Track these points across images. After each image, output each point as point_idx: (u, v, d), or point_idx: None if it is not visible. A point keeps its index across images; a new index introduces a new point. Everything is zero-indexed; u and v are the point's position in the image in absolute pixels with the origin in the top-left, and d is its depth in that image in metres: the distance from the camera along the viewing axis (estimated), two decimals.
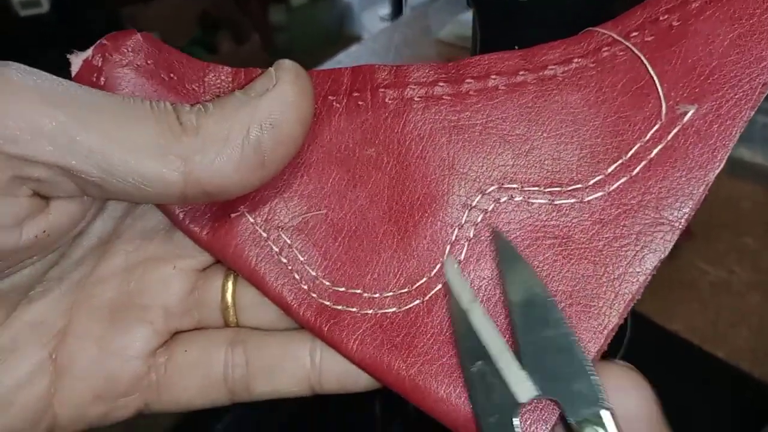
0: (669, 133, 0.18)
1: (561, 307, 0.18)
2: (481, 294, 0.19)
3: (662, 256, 0.18)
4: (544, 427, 0.18)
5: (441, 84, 0.20)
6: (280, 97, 0.17)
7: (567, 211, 0.19)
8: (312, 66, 0.21)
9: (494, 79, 0.20)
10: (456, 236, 0.20)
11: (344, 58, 0.83)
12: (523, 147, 0.20)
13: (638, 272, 0.18)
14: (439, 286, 0.20)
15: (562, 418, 0.17)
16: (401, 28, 0.92)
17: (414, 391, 0.19)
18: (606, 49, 0.19)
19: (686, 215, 0.18)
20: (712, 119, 0.18)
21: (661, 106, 0.18)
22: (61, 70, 0.18)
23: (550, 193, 0.19)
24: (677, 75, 0.18)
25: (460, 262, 0.19)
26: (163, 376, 0.22)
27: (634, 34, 0.19)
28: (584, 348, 0.18)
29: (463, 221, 0.20)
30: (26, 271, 0.19)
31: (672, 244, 0.18)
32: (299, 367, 0.21)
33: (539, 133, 0.19)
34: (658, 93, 0.19)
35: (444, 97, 0.20)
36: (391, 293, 0.20)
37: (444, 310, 0.19)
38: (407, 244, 0.20)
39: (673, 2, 0.19)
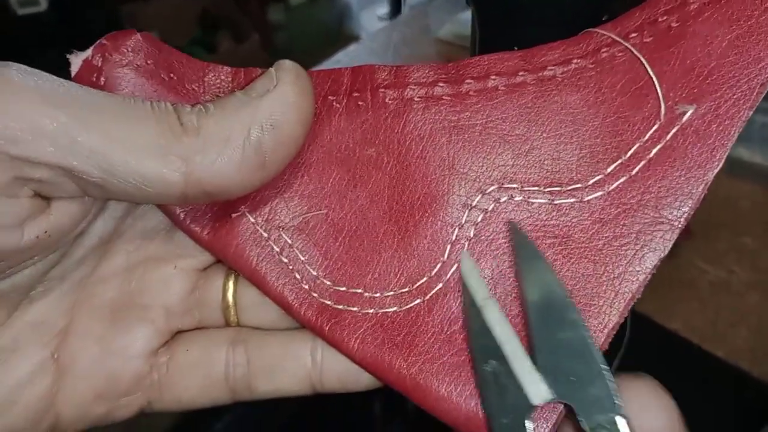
0: (668, 132, 0.18)
1: None
2: None
3: (662, 255, 0.18)
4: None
5: (441, 84, 0.20)
6: (280, 98, 0.17)
7: (567, 211, 0.19)
8: (311, 65, 0.21)
9: (494, 79, 0.20)
10: (456, 236, 0.20)
11: (343, 57, 0.83)
12: (523, 147, 0.20)
13: (638, 271, 0.18)
14: (440, 285, 0.20)
15: (576, 423, 0.17)
16: (400, 27, 0.92)
17: (415, 389, 0.19)
18: (605, 49, 0.19)
19: (685, 214, 0.18)
20: (710, 119, 0.18)
21: (660, 107, 0.19)
22: (61, 70, 0.18)
23: (550, 192, 0.19)
24: (676, 75, 0.19)
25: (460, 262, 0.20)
26: (164, 376, 0.22)
27: (633, 35, 0.19)
28: None
29: (463, 221, 0.20)
30: (27, 271, 0.19)
31: (671, 243, 0.18)
32: (300, 366, 0.21)
33: (539, 134, 0.20)
34: (657, 93, 0.19)
35: (444, 97, 0.20)
36: (391, 293, 0.20)
37: (444, 310, 0.19)
38: (408, 243, 0.20)
39: (672, 3, 0.19)
